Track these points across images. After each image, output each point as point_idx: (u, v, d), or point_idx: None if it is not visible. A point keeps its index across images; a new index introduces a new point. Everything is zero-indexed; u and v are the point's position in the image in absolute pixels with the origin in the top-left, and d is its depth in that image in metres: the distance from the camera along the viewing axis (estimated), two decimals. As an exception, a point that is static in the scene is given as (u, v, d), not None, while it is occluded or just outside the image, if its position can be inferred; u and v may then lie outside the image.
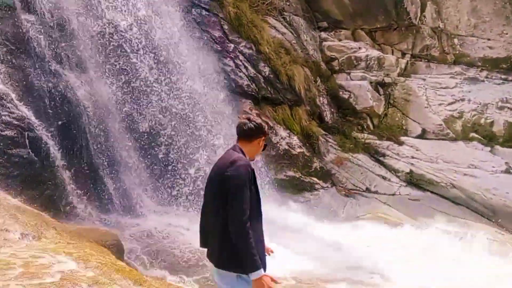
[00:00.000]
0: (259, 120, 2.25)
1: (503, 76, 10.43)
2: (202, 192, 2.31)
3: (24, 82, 5.06)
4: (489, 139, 9.78)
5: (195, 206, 5.88)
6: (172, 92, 6.86)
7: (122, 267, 3.28)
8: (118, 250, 4.11)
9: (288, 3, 10.83)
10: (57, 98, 5.18)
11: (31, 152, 4.72)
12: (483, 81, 10.44)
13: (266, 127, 2.33)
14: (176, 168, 6.12)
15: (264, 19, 10.10)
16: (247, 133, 2.19)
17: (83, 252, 3.06)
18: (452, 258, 6.29)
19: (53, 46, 5.45)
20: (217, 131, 7.28)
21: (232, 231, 1.93)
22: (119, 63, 6.42)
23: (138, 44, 6.45)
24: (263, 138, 2.25)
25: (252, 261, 1.91)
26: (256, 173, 2.15)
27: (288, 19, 10.75)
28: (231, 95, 8.30)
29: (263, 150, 2.29)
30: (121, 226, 4.91)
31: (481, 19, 10.75)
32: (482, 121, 9.95)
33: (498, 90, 10.16)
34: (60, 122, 5.19)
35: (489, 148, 9.62)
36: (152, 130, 6.47)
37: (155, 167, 6.07)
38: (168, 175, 6.06)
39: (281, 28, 10.44)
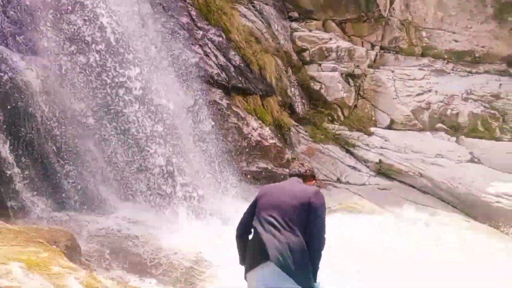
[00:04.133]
0: (311, 166, 2.80)
1: (467, 69, 10.71)
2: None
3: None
4: (454, 129, 10.04)
5: (159, 202, 5.53)
6: (137, 81, 6.41)
7: (75, 270, 2.92)
8: (73, 251, 3.72)
9: (258, -9, 10.55)
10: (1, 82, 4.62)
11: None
12: (449, 73, 10.68)
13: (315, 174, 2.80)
14: (139, 163, 5.70)
15: (233, 7, 9.76)
16: (303, 175, 2.64)
17: (27, 255, 2.68)
18: (419, 245, 6.35)
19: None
20: (182, 125, 6.89)
21: (316, 248, 2.30)
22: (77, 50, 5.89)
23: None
24: (314, 181, 2.71)
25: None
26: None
27: (258, 8, 10.47)
28: (201, 84, 7.93)
29: None
30: (78, 225, 4.49)
31: (447, 13, 10.96)
32: (448, 112, 10.18)
33: (464, 82, 10.42)
34: (5, 111, 4.64)
35: (454, 139, 9.87)
36: (113, 122, 6.00)
37: (117, 160, 5.62)
38: (131, 169, 5.64)
39: (251, 16, 10.15)
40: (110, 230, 4.46)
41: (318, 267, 2.33)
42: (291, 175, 2.66)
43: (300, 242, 2.25)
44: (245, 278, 2.39)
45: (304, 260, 2.23)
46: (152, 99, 6.31)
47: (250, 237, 2.43)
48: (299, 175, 2.64)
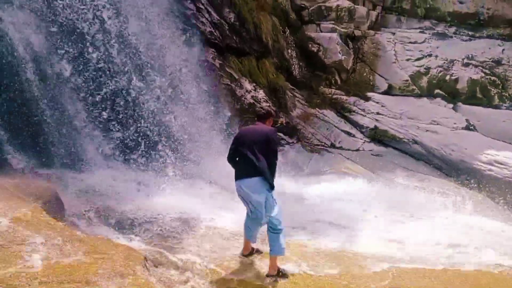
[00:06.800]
0: (268, 107, 4.15)
1: (470, 33, 10.35)
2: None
3: None
4: (452, 96, 9.86)
5: (146, 162, 5.47)
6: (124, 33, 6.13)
7: (53, 225, 2.89)
8: (56, 207, 3.70)
9: None
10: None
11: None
12: (451, 37, 10.33)
13: (273, 112, 4.12)
14: (126, 121, 5.57)
15: (229, -40, 9.20)
16: (264, 116, 3.73)
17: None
18: (410, 210, 6.39)
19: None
20: (175, 84, 6.68)
21: (273, 167, 3.52)
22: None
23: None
24: (272, 118, 3.81)
25: None
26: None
27: (255, -38, 9.89)
28: (193, 42, 7.62)
29: (274, 126, 3.78)
30: (63, 182, 4.44)
31: (454, -28, 10.44)
32: (447, 77, 9.95)
33: (465, 46, 10.11)
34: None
35: (451, 105, 9.72)
36: (101, 79, 5.79)
37: (103, 119, 5.48)
38: (118, 128, 5.52)
39: (248, -30, 9.60)
40: (95, 188, 4.42)
41: (274, 178, 3.57)
42: (256, 116, 3.77)
43: (266, 162, 3.46)
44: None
45: (271, 173, 3.49)
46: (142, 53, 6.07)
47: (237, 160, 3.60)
48: (261, 116, 3.73)
